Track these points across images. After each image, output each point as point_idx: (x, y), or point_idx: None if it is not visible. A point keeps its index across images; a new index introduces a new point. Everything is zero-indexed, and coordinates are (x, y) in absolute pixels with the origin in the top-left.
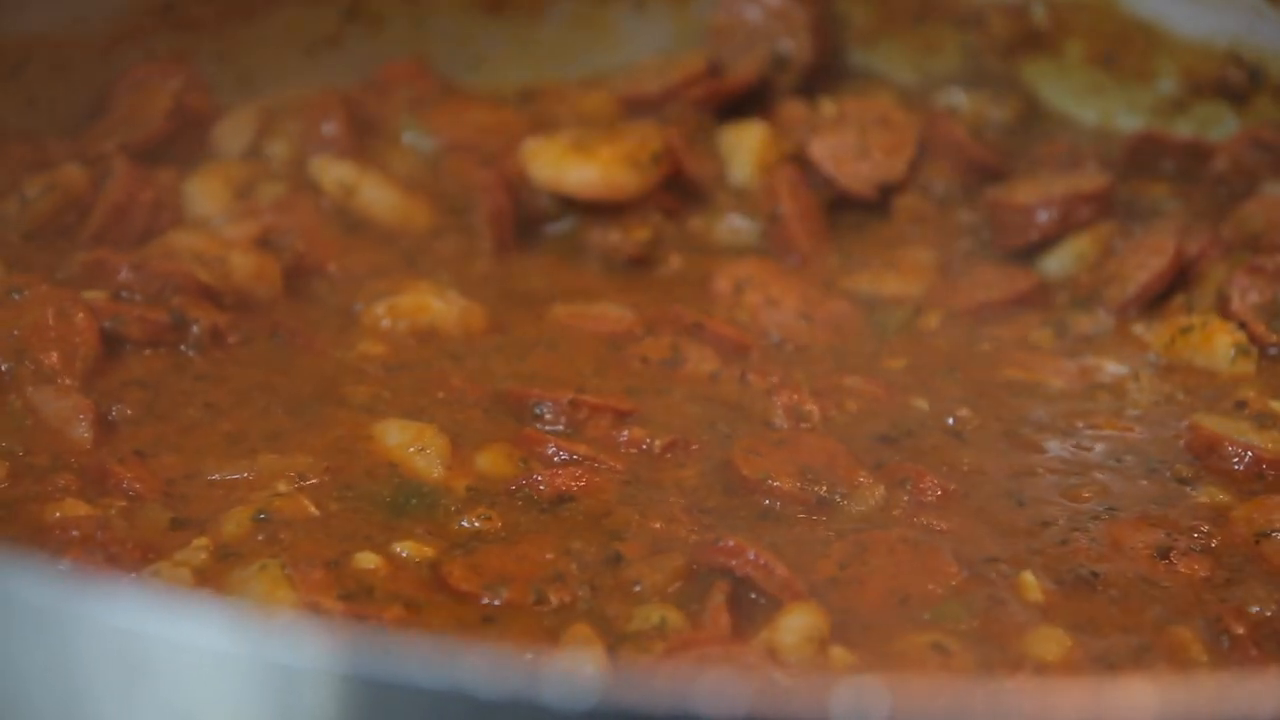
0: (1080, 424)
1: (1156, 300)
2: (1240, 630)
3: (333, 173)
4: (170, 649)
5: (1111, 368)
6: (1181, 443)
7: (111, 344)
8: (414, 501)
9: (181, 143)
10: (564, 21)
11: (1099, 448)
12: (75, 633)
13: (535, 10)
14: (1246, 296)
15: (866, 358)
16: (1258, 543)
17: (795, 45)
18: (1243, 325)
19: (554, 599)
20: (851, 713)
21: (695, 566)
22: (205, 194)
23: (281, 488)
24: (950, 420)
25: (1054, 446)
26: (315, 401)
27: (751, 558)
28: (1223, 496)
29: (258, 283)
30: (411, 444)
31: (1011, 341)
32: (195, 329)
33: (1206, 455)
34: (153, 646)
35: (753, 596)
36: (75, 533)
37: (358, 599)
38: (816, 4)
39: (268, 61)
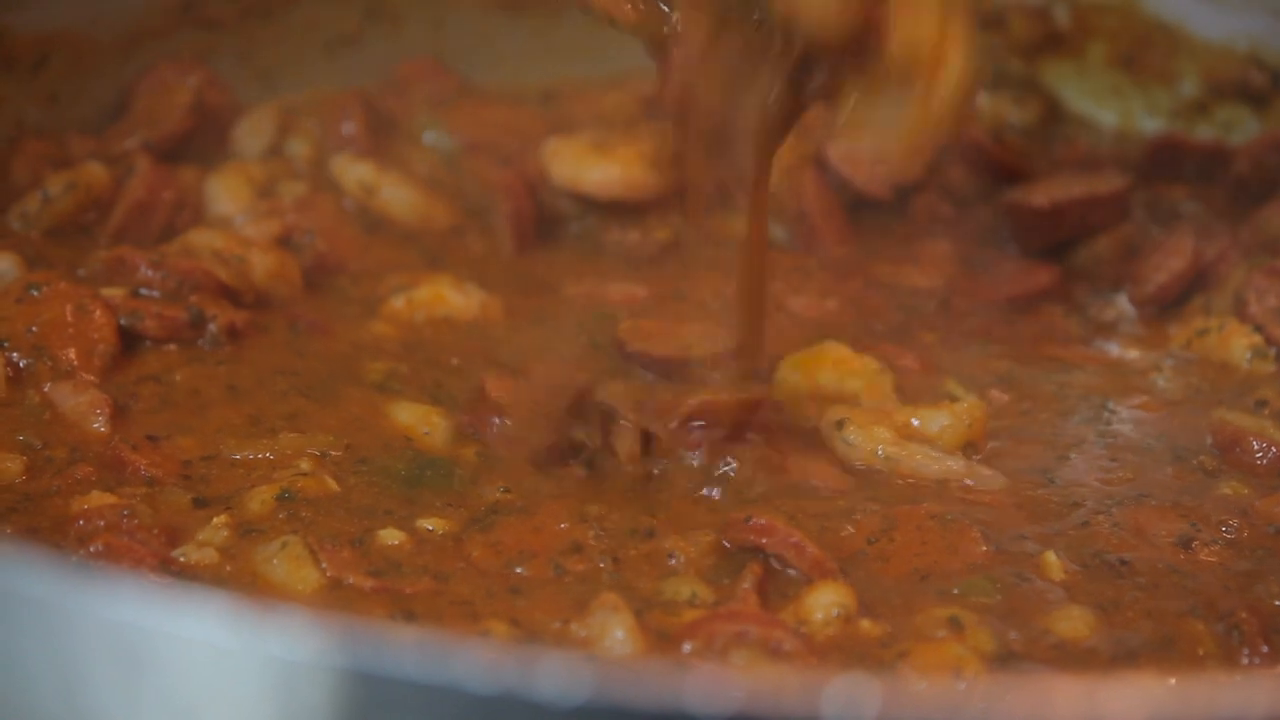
0: (1108, 410)
1: (1174, 302)
2: (1252, 625)
3: (353, 172)
4: (171, 643)
5: (1136, 358)
6: (1207, 435)
7: (130, 340)
8: (429, 473)
9: (202, 141)
10: (584, 21)
11: (1127, 433)
12: (76, 626)
13: (555, 10)
14: (1264, 299)
15: (895, 332)
16: (1278, 536)
17: None
18: (1259, 328)
19: (572, 570)
20: (843, 711)
21: (727, 544)
22: (226, 193)
23: (304, 466)
24: (990, 402)
25: (1083, 429)
26: (331, 380)
27: (782, 536)
28: (1245, 490)
29: (277, 282)
30: (422, 425)
31: (1038, 330)
32: (212, 327)
33: (1230, 448)
34: (153, 640)
35: (777, 567)
36: (101, 522)
37: (386, 575)
38: None
39: (287, 60)
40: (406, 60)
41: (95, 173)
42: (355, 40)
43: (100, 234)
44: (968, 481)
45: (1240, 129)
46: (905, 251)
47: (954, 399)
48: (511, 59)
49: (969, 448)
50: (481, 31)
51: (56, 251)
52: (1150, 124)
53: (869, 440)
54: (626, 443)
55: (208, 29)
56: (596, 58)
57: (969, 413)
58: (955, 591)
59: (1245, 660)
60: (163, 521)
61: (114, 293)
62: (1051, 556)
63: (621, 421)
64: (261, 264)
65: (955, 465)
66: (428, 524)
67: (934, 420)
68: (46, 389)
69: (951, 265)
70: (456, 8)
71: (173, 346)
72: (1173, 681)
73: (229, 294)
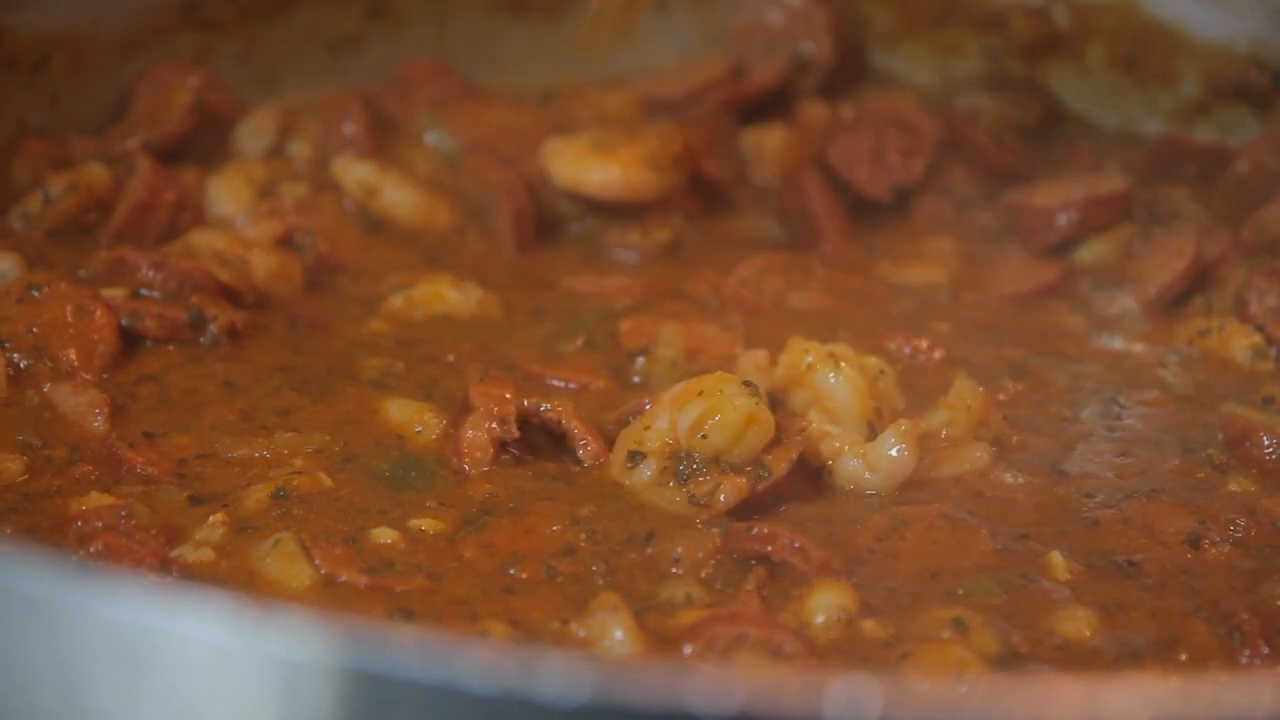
0: (1118, 404)
1: (1177, 301)
2: (1253, 626)
3: (354, 173)
4: (172, 643)
5: (1142, 353)
6: (1216, 430)
7: (130, 340)
8: (413, 474)
9: (203, 142)
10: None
11: (1137, 426)
12: (77, 626)
13: (557, 11)
14: (1265, 299)
15: (907, 322)
16: None
17: (816, 48)
18: (1260, 328)
19: (564, 572)
20: (845, 711)
21: (734, 554)
22: (227, 194)
23: (299, 464)
24: (1000, 396)
25: (1094, 421)
26: (328, 378)
27: (786, 543)
28: (1252, 488)
29: (278, 282)
30: (414, 423)
31: (1045, 324)
32: (213, 327)
33: (1239, 443)
34: (154, 640)
35: (782, 571)
36: (99, 523)
37: (380, 572)
38: (838, 6)
39: (289, 60)
40: (408, 61)
41: (96, 173)
42: (357, 41)
43: (101, 234)
44: (985, 478)
45: (1240, 130)
46: (908, 249)
47: (950, 392)
48: (514, 60)
49: (982, 426)
50: (484, 32)
51: (58, 252)
52: (1151, 125)
53: (880, 472)
54: (589, 451)
55: (209, 30)
56: (598, 59)
57: (963, 399)
58: (960, 592)
59: (1245, 661)
60: (160, 521)
61: (114, 293)
62: (1057, 557)
63: (575, 434)
64: (262, 265)
65: (974, 460)
66: (420, 524)
67: (936, 419)
68: (46, 389)
69: (956, 262)
70: (459, 9)
71: (172, 346)
72: (1174, 682)
73: (229, 294)
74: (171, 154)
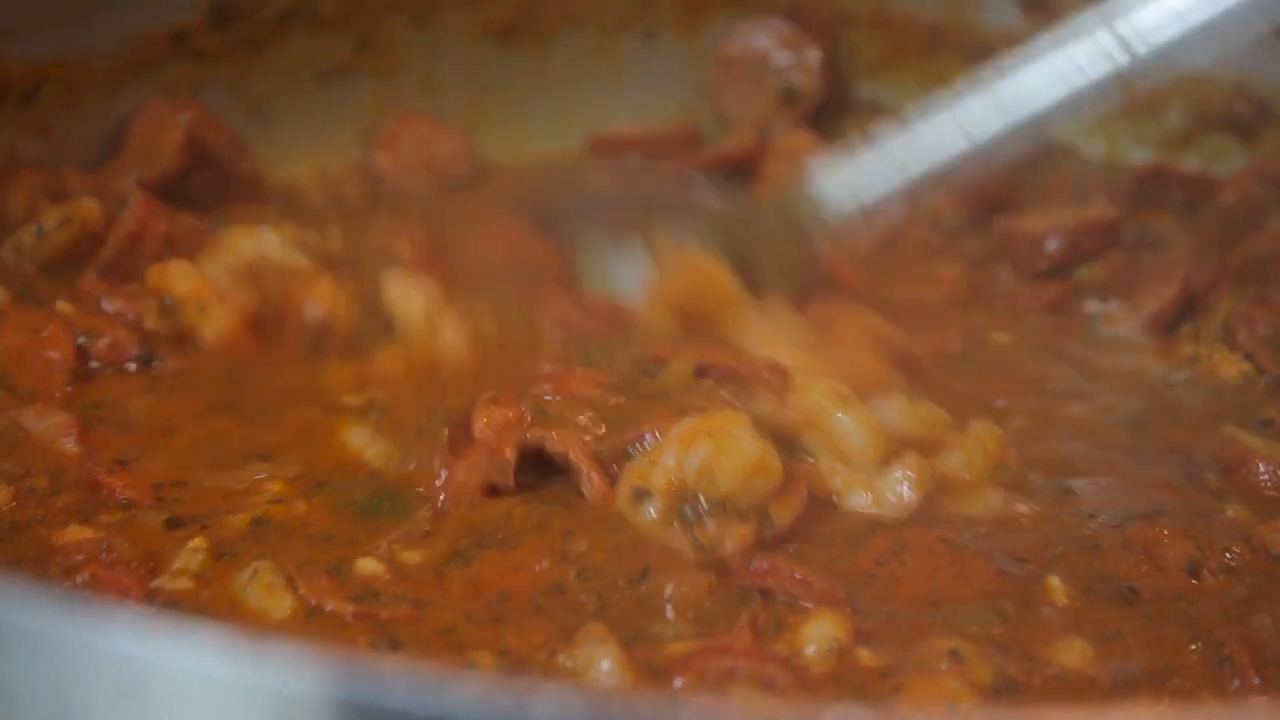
0: (1119, 424)
1: (1167, 327)
2: (1243, 658)
3: (415, 303)
4: (164, 673)
5: (1139, 376)
6: (1213, 453)
7: (85, 361)
8: (386, 505)
9: (200, 178)
10: (574, 51)
11: (1137, 446)
12: (71, 657)
13: (546, 40)
14: (1254, 328)
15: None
16: (1278, 563)
17: (804, 78)
18: (1249, 356)
19: (554, 609)
20: None
21: (735, 588)
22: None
23: (276, 489)
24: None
25: (1095, 441)
26: (291, 403)
27: (787, 574)
28: (1247, 514)
29: (225, 341)
30: (390, 455)
31: (1046, 344)
32: (157, 364)
33: (1236, 468)
34: (147, 671)
35: (782, 600)
36: (80, 556)
37: (365, 601)
38: (825, 36)
39: (280, 91)
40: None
41: (89, 207)
42: (347, 71)
43: (91, 267)
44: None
45: (1226, 159)
46: (906, 273)
47: (964, 429)
48: (502, 88)
49: (999, 469)
50: (473, 62)
51: (49, 286)
52: (1137, 154)
53: (886, 508)
54: (593, 486)
55: (199, 60)
56: (587, 87)
57: (979, 440)
58: (959, 621)
59: (1235, 689)
60: (140, 551)
61: (67, 307)
62: (1055, 582)
63: (580, 470)
64: (217, 319)
65: (987, 505)
66: (405, 555)
67: (951, 460)
68: (12, 415)
69: (958, 286)
70: (448, 39)
71: (133, 366)
72: (1168, 711)
73: (174, 339)
74: (167, 192)
